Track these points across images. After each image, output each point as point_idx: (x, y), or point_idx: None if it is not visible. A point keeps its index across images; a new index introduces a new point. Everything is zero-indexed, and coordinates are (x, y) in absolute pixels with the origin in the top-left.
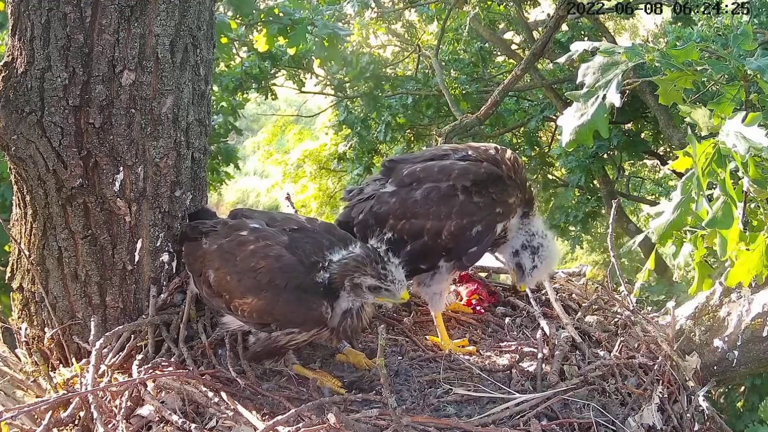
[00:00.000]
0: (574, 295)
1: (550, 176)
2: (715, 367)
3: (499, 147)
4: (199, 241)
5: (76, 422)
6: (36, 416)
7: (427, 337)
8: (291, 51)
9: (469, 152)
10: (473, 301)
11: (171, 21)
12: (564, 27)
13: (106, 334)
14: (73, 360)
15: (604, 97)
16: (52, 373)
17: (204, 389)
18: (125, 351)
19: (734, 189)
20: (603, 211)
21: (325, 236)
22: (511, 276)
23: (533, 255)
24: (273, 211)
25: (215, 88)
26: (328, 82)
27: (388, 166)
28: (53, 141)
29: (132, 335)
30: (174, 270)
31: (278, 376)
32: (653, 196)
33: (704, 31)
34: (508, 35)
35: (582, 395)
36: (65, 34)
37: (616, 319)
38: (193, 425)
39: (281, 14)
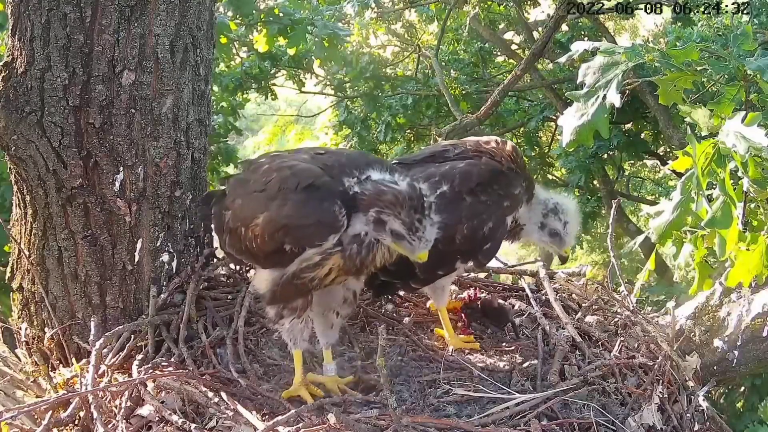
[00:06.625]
0: (574, 295)
1: (550, 176)
2: (715, 367)
3: (499, 140)
4: (225, 197)
5: (76, 422)
6: (36, 416)
7: (433, 329)
8: (291, 51)
9: (468, 146)
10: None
11: (171, 21)
12: (564, 27)
13: (106, 334)
14: (73, 360)
15: (605, 97)
16: (52, 373)
17: (204, 389)
18: (125, 351)
19: (734, 189)
20: (603, 211)
21: (361, 156)
22: (552, 250)
23: (557, 214)
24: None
25: (215, 88)
26: (328, 82)
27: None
28: (53, 141)
29: (132, 335)
30: (174, 270)
31: (279, 377)
32: (653, 196)
33: (704, 31)
34: (508, 35)
35: (582, 395)
36: (65, 34)
37: (616, 319)
38: (193, 425)
39: (281, 14)
